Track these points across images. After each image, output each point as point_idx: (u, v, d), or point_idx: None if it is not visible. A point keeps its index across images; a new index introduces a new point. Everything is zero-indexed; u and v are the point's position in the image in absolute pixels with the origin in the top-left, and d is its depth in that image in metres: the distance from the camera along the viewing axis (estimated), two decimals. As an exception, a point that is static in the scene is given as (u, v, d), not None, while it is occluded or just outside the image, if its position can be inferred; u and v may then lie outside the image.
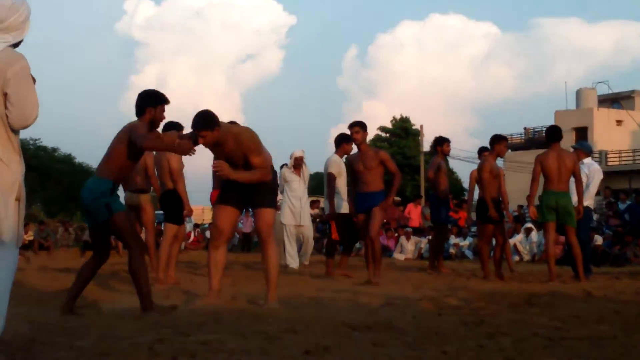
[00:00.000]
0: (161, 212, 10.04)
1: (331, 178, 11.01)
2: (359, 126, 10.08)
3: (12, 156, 4.38)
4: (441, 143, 12.80)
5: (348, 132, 10.35)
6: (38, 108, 4.35)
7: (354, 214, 10.66)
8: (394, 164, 10.21)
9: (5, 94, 4.23)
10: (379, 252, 10.05)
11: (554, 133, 10.40)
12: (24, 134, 45.98)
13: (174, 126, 9.16)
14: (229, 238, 7.25)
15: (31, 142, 46.20)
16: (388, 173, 10.03)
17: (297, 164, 12.86)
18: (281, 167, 12.94)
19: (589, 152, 11.38)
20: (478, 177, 10.98)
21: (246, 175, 6.42)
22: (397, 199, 25.28)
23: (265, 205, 6.66)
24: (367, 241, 10.08)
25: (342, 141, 11.13)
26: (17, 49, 4.45)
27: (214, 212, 6.92)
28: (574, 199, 10.18)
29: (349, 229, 11.23)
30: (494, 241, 11.23)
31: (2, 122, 4.31)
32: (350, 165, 10.30)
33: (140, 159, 10.81)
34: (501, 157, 11.33)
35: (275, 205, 7.17)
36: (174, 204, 9.56)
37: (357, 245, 14.93)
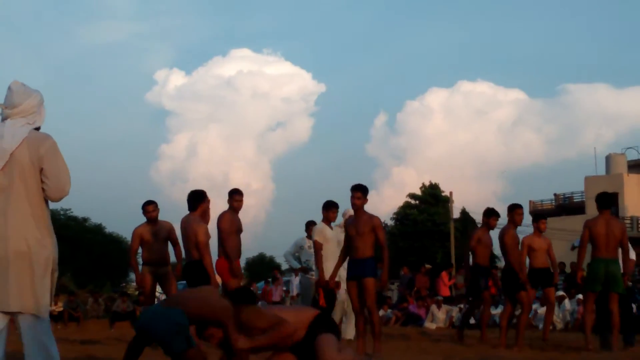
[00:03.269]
0: (183, 282, 10.06)
1: (316, 246, 11.06)
2: (360, 192, 9.87)
3: (46, 232, 4.73)
4: (489, 216, 12.17)
5: (356, 196, 10.18)
6: (70, 180, 4.72)
7: (323, 282, 10.63)
8: (384, 235, 9.98)
9: (41, 170, 4.62)
10: (378, 324, 9.81)
11: (604, 200, 10.37)
12: (55, 205, 46.68)
13: (196, 196, 9.67)
14: None
15: (62, 212, 46.56)
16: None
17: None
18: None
19: None
20: (501, 247, 10.89)
21: (263, 340, 6.05)
22: (428, 266, 25.03)
23: None
24: (356, 312, 9.90)
25: (325, 208, 11.33)
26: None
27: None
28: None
29: (332, 297, 11.18)
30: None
31: (38, 199, 4.67)
32: (345, 229, 10.20)
33: (164, 231, 11.00)
34: (518, 225, 11.28)
35: None
36: (199, 276, 9.53)
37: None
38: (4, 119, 4.82)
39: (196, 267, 9.51)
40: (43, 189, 4.67)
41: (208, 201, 9.80)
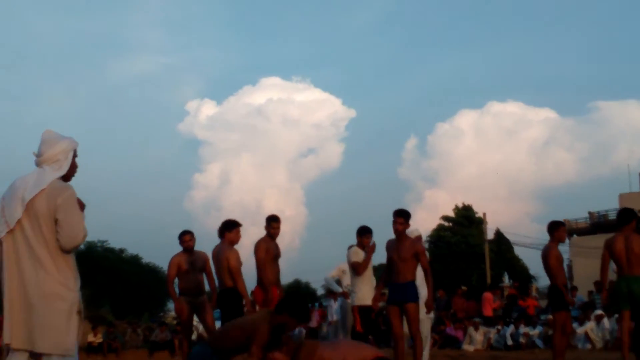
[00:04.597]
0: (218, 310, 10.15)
1: (356, 266, 11.11)
2: (403, 217, 9.91)
3: (70, 275, 4.95)
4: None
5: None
6: (85, 230, 4.93)
7: (374, 306, 10.66)
8: (427, 260, 9.98)
9: (56, 220, 4.84)
10: (420, 349, 9.91)
11: (625, 215, 10.29)
12: (92, 237, 46.82)
13: (224, 224, 9.94)
14: None
15: (99, 244, 46.85)
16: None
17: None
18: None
19: None
20: (545, 265, 10.77)
21: None
22: (464, 288, 24.97)
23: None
24: (397, 337, 9.90)
25: (359, 234, 11.32)
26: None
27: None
28: None
29: (367, 321, 11.17)
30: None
31: (56, 245, 4.87)
32: (387, 253, 10.23)
33: (200, 261, 11.11)
34: (562, 242, 11.12)
35: None
36: (232, 302, 9.61)
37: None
38: (37, 166, 5.06)
39: (230, 294, 9.62)
40: (57, 238, 4.87)
41: (237, 230, 9.91)
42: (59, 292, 4.82)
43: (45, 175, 4.94)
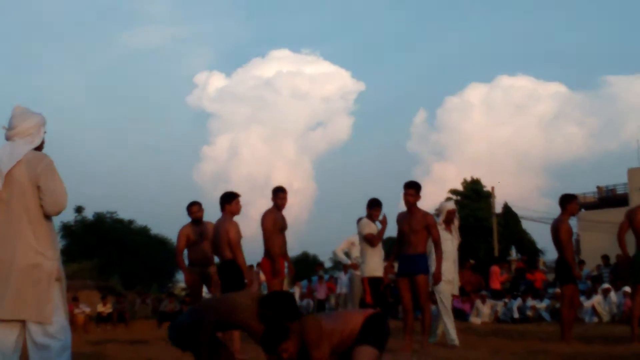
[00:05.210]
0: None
1: (370, 237, 11.14)
2: (413, 189, 9.94)
3: (47, 245, 5.03)
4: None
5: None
6: (66, 196, 5.05)
7: (385, 278, 10.71)
8: (438, 233, 9.97)
9: (38, 187, 4.94)
10: (429, 321, 10.02)
11: None
12: (101, 208, 46.86)
13: (223, 197, 9.87)
14: None
15: (108, 215, 47.03)
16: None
17: (449, 218, 11.04)
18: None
19: None
20: (554, 239, 10.74)
21: None
22: (472, 262, 24.96)
23: None
24: (406, 309, 10.00)
25: (369, 207, 11.31)
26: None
27: None
28: None
29: (377, 293, 11.20)
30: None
31: (38, 215, 4.99)
32: (397, 225, 10.22)
33: (208, 232, 11.10)
34: (573, 215, 11.04)
35: None
36: (232, 275, 9.62)
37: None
38: (7, 140, 5.16)
39: (229, 267, 9.63)
40: (41, 205, 4.98)
41: (236, 201, 9.88)
42: (36, 261, 4.90)
43: (18, 147, 5.04)
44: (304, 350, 5.70)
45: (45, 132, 5.25)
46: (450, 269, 10.63)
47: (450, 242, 10.84)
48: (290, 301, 5.81)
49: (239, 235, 9.61)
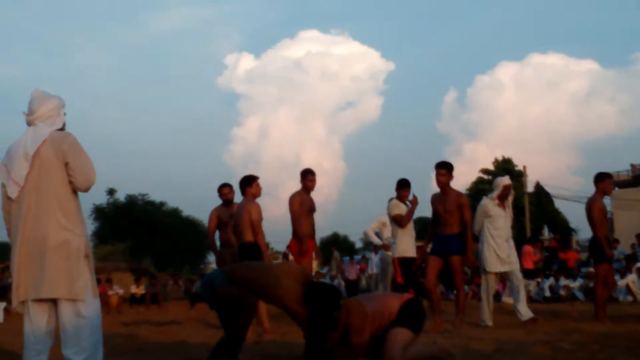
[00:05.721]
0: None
1: (398, 218, 11.23)
2: (445, 169, 9.95)
3: (76, 221, 5.06)
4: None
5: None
6: (95, 170, 5.08)
7: (419, 260, 10.82)
8: (469, 214, 9.98)
9: (66, 164, 4.97)
10: (463, 302, 10.13)
11: None
12: (132, 190, 47.14)
13: (243, 180, 9.89)
14: None
15: (139, 197, 47.27)
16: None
17: (505, 194, 10.70)
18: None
19: None
20: (588, 217, 10.62)
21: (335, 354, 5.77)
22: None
23: None
24: (430, 288, 9.97)
25: (398, 187, 11.40)
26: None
27: None
28: None
29: (408, 273, 11.19)
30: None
31: (66, 192, 5.03)
32: (432, 206, 10.21)
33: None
34: (607, 195, 10.89)
35: None
36: (252, 257, 9.62)
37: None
38: (29, 125, 5.18)
39: (250, 249, 9.63)
40: (71, 182, 5.01)
41: (256, 183, 9.87)
42: (65, 238, 4.92)
43: (41, 130, 5.07)
44: (344, 334, 5.71)
45: (65, 114, 5.27)
46: (503, 247, 10.46)
47: (503, 219, 10.59)
48: (336, 295, 5.78)
49: (260, 217, 9.64)
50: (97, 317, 5.04)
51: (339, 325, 5.56)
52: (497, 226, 10.46)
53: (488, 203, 10.64)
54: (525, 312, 10.36)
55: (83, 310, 4.93)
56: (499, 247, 10.41)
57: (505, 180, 10.82)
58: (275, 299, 5.91)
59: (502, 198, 10.63)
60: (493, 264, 10.49)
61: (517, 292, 10.59)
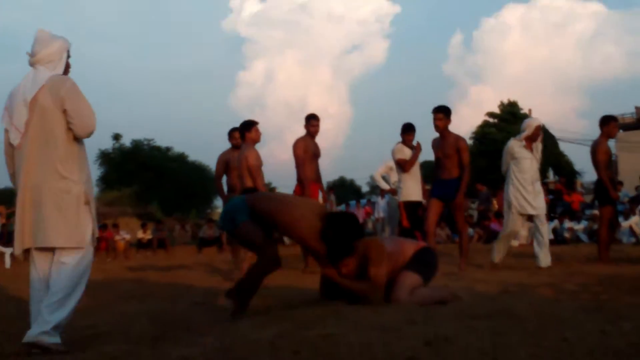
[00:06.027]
0: None
1: (402, 163, 11.20)
2: (442, 113, 9.91)
3: (75, 168, 4.96)
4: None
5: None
6: (95, 116, 4.96)
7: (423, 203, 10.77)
8: (468, 157, 9.93)
9: (64, 111, 4.87)
10: (466, 243, 10.17)
11: None
12: (138, 135, 47.15)
13: (242, 125, 9.86)
14: None
15: (145, 142, 47.23)
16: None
17: (536, 134, 10.50)
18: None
19: None
20: (593, 159, 10.64)
21: (353, 285, 5.88)
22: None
23: None
24: (428, 231, 9.97)
25: (403, 131, 11.37)
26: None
27: None
28: None
29: (414, 217, 11.23)
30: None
31: (65, 139, 4.93)
32: (433, 150, 10.21)
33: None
34: (612, 138, 10.87)
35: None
36: None
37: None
38: (31, 66, 5.06)
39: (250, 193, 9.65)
40: (70, 129, 4.91)
41: (255, 128, 9.84)
42: (63, 186, 4.85)
43: (41, 73, 4.96)
44: (362, 270, 5.80)
45: (69, 57, 5.15)
46: (529, 190, 10.26)
47: (529, 161, 10.36)
48: (356, 222, 5.87)
49: (258, 162, 9.62)
50: (87, 263, 4.99)
51: (357, 254, 5.66)
52: (522, 168, 10.26)
53: (514, 144, 10.40)
54: (544, 259, 10.16)
55: (77, 257, 4.90)
56: (525, 190, 10.21)
57: (537, 121, 10.58)
58: (295, 233, 5.96)
59: (529, 139, 10.41)
60: (518, 206, 10.24)
61: (540, 237, 10.27)
